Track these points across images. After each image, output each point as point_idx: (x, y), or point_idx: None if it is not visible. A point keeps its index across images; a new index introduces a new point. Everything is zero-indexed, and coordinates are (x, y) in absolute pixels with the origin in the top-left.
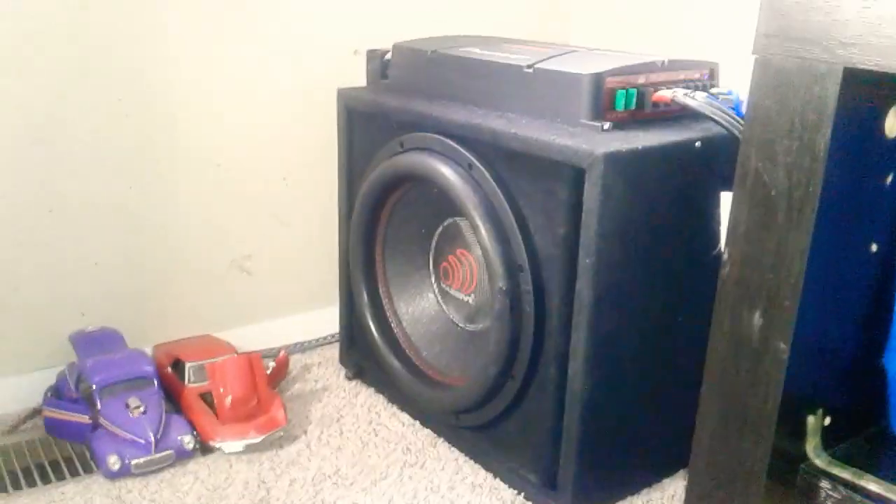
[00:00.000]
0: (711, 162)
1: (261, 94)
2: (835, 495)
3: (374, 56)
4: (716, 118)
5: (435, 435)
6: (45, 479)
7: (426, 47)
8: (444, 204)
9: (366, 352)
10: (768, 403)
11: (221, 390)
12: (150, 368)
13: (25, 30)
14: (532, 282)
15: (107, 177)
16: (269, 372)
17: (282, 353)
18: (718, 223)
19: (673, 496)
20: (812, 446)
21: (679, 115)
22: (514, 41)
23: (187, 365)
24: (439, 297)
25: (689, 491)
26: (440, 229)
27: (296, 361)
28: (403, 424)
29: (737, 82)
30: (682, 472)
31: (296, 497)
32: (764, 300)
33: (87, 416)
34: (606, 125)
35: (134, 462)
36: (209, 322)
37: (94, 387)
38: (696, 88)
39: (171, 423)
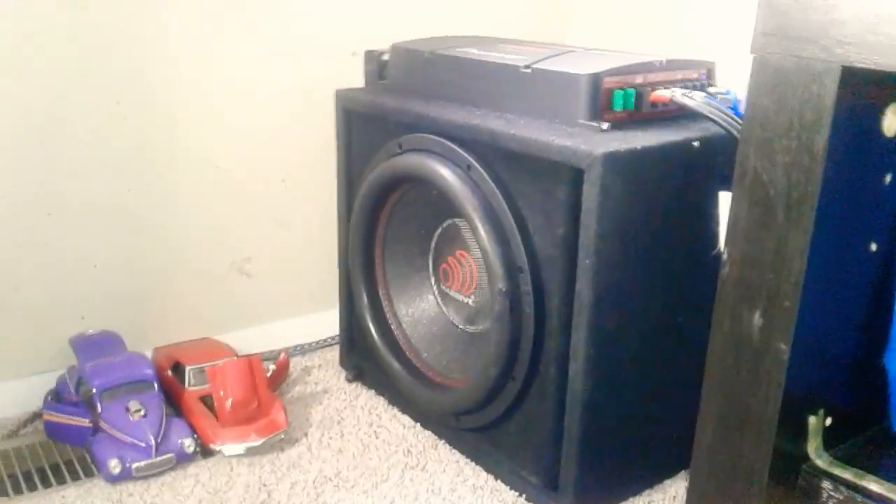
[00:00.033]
0: (710, 161)
1: (260, 96)
2: (836, 496)
3: (371, 57)
4: (714, 118)
5: (436, 437)
6: (46, 483)
7: (424, 48)
8: (443, 205)
9: (366, 354)
10: (769, 404)
11: (222, 393)
12: (150, 372)
13: (25, 30)
14: (532, 283)
15: (106, 178)
16: (269, 374)
17: (282, 356)
18: (717, 223)
19: (674, 497)
20: (813, 447)
21: (677, 114)
22: (512, 41)
23: (187, 368)
24: (439, 299)
25: (691, 492)
26: (439, 231)
27: (296, 364)
28: (404, 426)
29: (734, 82)
30: (683, 472)
31: (297, 500)
32: (764, 300)
33: (87, 420)
34: (605, 125)
35: (135, 466)
36: (209, 324)
37: (94, 390)
38: (694, 88)
39: (172, 426)
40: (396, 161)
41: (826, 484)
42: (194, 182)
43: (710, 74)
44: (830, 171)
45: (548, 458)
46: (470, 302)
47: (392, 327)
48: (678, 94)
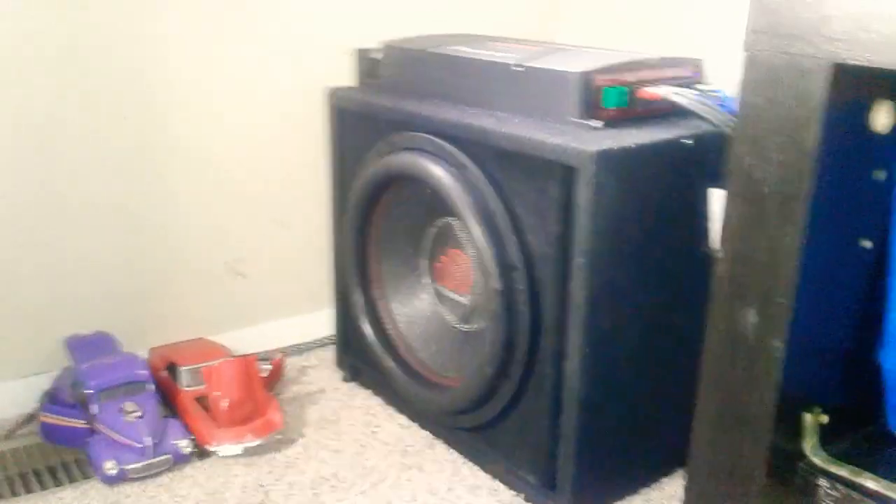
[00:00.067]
0: (701, 158)
1: (257, 96)
2: (833, 493)
3: (364, 55)
4: (705, 115)
5: (433, 436)
6: (43, 485)
7: (416, 46)
8: (436, 204)
9: (362, 353)
10: (765, 402)
11: (217, 394)
12: (145, 373)
13: (25, 30)
14: (526, 281)
15: (103, 179)
16: (265, 375)
17: (278, 356)
18: (709, 219)
19: (672, 496)
20: (810, 444)
21: (668, 112)
22: (504, 39)
23: (182, 369)
24: (434, 298)
25: (688, 490)
26: (433, 229)
27: (292, 364)
28: (401, 426)
29: (725, 80)
30: (680, 471)
31: (294, 500)
32: (758, 298)
33: (83, 422)
34: (597, 123)
35: (131, 467)
36: (205, 325)
37: (89, 391)
38: (685, 86)
39: (168, 427)
40: (389, 160)
41: (823, 481)
42: (190, 182)
43: (700, 72)
44: (822, 168)
45: (545, 456)
46: (465, 301)
47: (387, 327)
48: (669, 92)
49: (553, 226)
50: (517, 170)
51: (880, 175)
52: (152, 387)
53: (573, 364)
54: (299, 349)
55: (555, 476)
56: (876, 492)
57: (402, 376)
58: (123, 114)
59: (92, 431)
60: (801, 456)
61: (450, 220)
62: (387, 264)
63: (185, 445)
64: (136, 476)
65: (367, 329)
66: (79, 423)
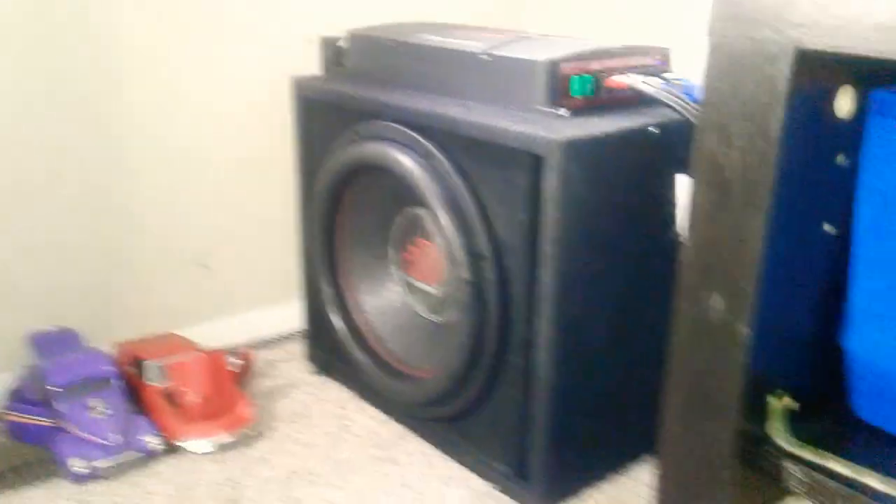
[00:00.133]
0: (667, 146)
1: (222, 85)
2: (799, 476)
3: (328, 43)
4: (671, 104)
5: (404, 428)
6: (9, 485)
7: (382, 34)
8: (403, 193)
9: (332, 346)
10: (732, 386)
11: (185, 389)
12: (110, 368)
13: None
14: (495, 271)
15: (61, 171)
16: (234, 369)
17: (247, 350)
18: (675, 206)
19: (642, 481)
20: (776, 428)
21: (634, 100)
22: (470, 27)
23: (149, 364)
24: (404, 289)
25: (657, 475)
26: (400, 219)
27: (261, 358)
28: (372, 419)
29: (692, 68)
30: (650, 457)
31: (266, 495)
32: (723, 283)
33: (48, 419)
34: (563, 112)
35: (98, 464)
36: (172, 319)
37: (53, 389)
38: (651, 74)
39: (135, 423)
40: (355, 149)
41: (789, 464)
42: (152, 174)
43: (666, 60)
44: (785, 154)
45: (516, 446)
46: (435, 291)
47: (357, 319)
48: (635, 81)
49: (521, 215)
50: (485, 159)
51: (843, 160)
52: (119, 383)
53: (543, 353)
54: (268, 343)
55: (526, 465)
56: (841, 474)
57: (372, 368)
58: (86, 104)
59: (58, 429)
60: (768, 440)
61: (418, 209)
62: (355, 255)
63: (153, 442)
64: (104, 473)
65: (337, 321)
66: (44, 422)
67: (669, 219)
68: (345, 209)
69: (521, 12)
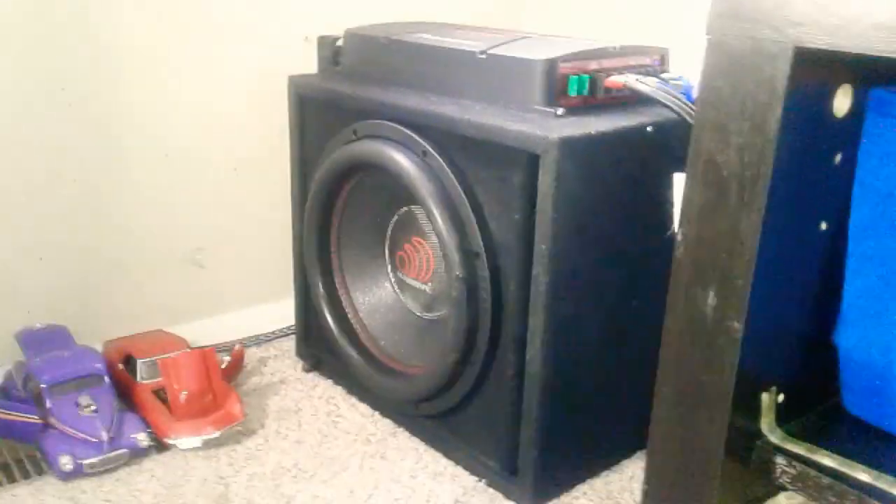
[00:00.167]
0: (664, 145)
1: (217, 83)
2: (789, 470)
3: (325, 42)
4: (667, 103)
5: (395, 425)
6: None
7: (379, 33)
8: (398, 192)
9: (323, 343)
10: (723, 382)
11: (175, 386)
12: (100, 365)
13: None
14: (488, 268)
15: (52, 167)
16: (224, 366)
17: (237, 347)
18: (672, 206)
19: (631, 477)
20: (766, 423)
21: (631, 100)
22: (467, 27)
23: (139, 361)
24: (396, 287)
25: (648, 471)
26: (395, 218)
27: (251, 355)
28: (363, 415)
29: (688, 67)
30: (640, 453)
31: (255, 492)
32: (717, 280)
33: (36, 417)
34: (560, 111)
35: (87, 462)
36: (162, 316)
37: (42, 386)
38: (648, 74)
39: (124, 420)
40: (351, 148)
41: (779, 459)
42: (145, 171)
43: (663, 60)
44: (782, 152)
45: (506, 442)
46: (427, 289)
47: (349, 316)
48: (632, 80)
49: (516, 213)
50: (480, 157)
51: (839, 159)
52: (108, 380)
53: (535, 350)
54: (259, 340)
55: (516, 461)
56: (831, 468)
57: (363, 365)
58: (78, 100)
59: (46, 426)
60: (759, 435)
61: (412, 208)
62: (348, 253)
63: (142, 439)
64: (92, 471)
65: (329, 318)
66: (32, 419)
67: (667, 218)
68: (339, 207)
69: (521, 12)
